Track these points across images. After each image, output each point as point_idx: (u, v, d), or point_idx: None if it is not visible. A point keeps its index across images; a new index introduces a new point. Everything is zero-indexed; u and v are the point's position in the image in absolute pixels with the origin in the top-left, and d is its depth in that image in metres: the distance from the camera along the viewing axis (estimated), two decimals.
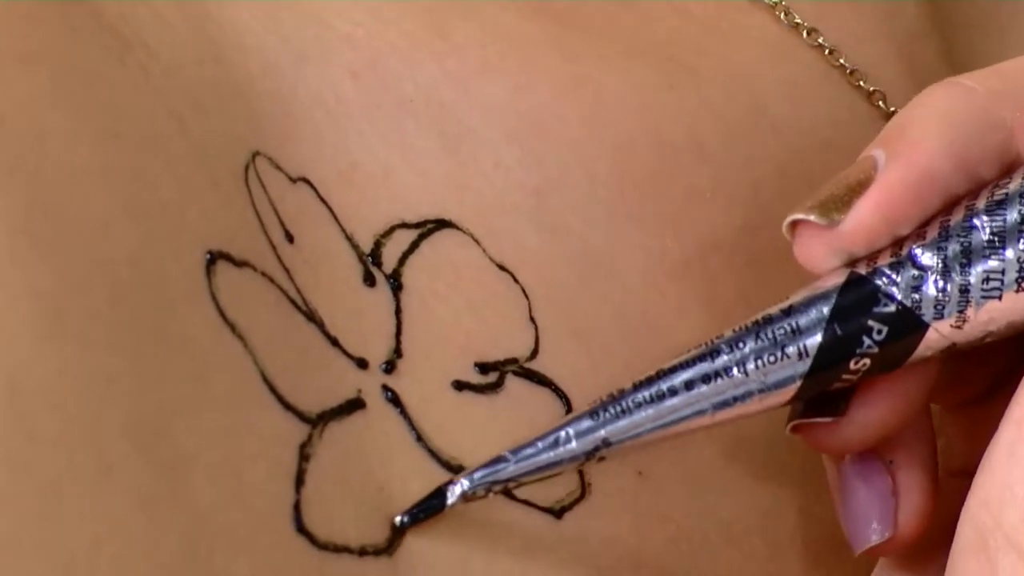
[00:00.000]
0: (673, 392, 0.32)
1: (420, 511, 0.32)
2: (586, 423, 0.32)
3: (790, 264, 0.38)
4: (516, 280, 0.36)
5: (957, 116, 0.32)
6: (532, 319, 0.36)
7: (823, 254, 0.32)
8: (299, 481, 0.31)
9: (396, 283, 0.35)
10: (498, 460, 0.32)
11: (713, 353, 0.32)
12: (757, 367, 0.32)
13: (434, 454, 0.33)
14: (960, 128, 0.32)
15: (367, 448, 0.32)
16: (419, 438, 0.33)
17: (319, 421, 0.32)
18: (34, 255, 0.28)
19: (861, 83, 0.44)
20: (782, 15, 0.43)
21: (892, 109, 0.44)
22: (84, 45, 0.32)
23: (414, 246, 0.35)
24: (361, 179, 0.35)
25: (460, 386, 0.34)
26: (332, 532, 0.31)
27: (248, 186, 0.33)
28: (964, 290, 0.31)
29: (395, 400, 0.33)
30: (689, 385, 0.32)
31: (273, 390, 0.31)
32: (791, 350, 0.32)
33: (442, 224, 0.36)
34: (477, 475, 0.32)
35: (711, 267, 0.39)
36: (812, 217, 0.32)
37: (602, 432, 0.32)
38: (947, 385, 0.35)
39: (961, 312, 0.31)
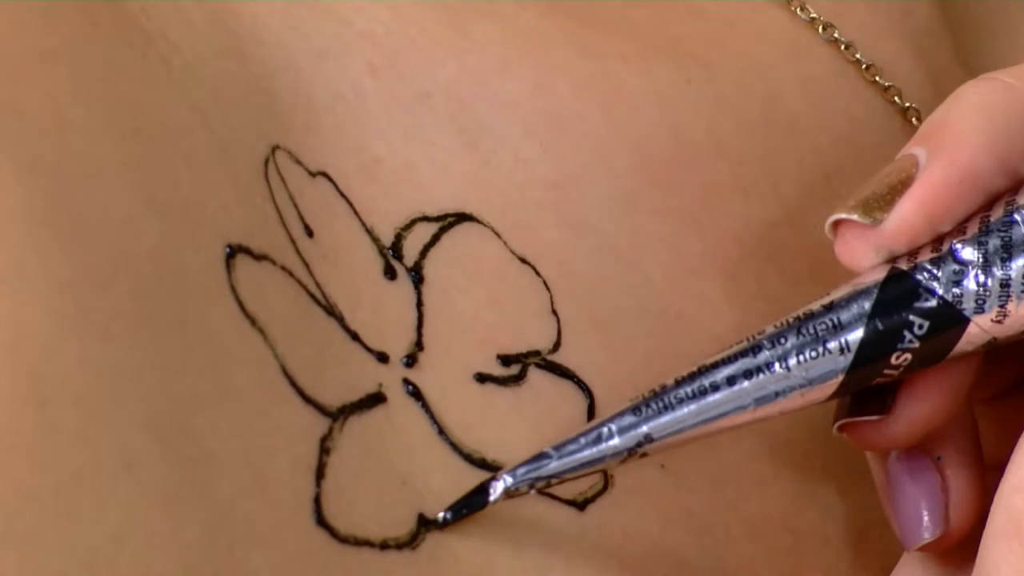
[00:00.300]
0: (715, 388, 0.32)
1: (463, 507, 0.32)
2: (628, 419, 0.32)
3: (809, 258, 0.38)
4: (538, 273, 0.36)
5: (997, 113, 0.32)
6: (554, 312, 0.36)
7: (865, 252, 0.33)
8: (319, 474, 0.31)
9: (417, 276, 0.35)
10: (541, 456, 0.32)
11: (755, 349, 0.32)
12: (799, 362, 0.32)
13: (456, 447, 0.33)
14: (1000, 125, 0.32)
15: (388, 442, 0.32)
16: (441, 431, 0.33)
17: (340, 415, 0.32)
18: (56, 249, 0.28)
19: (877, 78, 0.44)
20: (798, 10, 0.43)
21: (908, 105, 0.44)
22: (105, 40, 0.32)
23: (435, 239, 0.35)
24: (381, 173, 0.35)
25: (482, 379, 0.34)
26: (353, 525, 0.31)
27: (268, 180, 0.33)
28: (1005, 284, 0.31)
29: (416, 394, 0.33)
30: (731, 381, 0.32)
31: (293, 384, 0.31)
32: (832, 345, 0.32)
33: (463, 217, 0.36)
34: (520, 471, 0.32)
35: (731, 261, 0.39)
36: (855, 216, 0.32)
37: (644, 428, 0.32)
38: (979, 378, 0.35)
39: (1002, 306, 0.31)
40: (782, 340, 0.32)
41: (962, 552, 0.34)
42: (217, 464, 0.29)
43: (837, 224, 0.33)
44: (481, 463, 0.33)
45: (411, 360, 0.34)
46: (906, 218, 0.32)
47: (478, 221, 0.36)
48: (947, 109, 0.33)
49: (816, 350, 0.32)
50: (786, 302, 0.37)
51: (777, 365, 0.32)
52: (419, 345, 0.34)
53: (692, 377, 0.32)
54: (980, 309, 0.32)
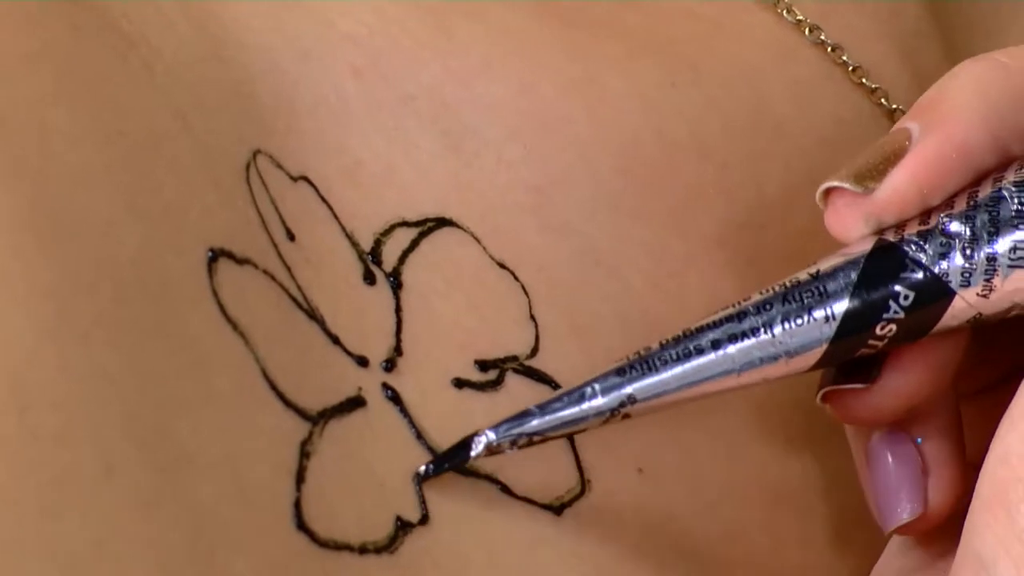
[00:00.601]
0: (700, 351, 0.32)
1: (444, 461, 0.33)
2: (612, 379, 0.32)
3: (793, 262, 0.38)
4: (516, 278, 0.36)
5: (992, 90, 0.33)
6: (532, 317, 0.36)
7: (855, 221, 0.33)
8: (300, 478, 0.31)
9: (396, 281, 0.35)
10: (524, 414, 0.33)
11: (741, 315, 0.32)
12: (784, 329, 0.32)
13: (434, 452, 0.33)
14: (995, 103, 0.32)
15: (367, 446, 0.33)
16: (419, 436, 0.33)
17: (320, 419, 0.32)
18: (37, 253, 0.28)
19: (863, 80, 0.43)
20: (784, 12, 0.43)
21: (895, 107, 0.44)
22: (87, 44, 0.32)
23: (414, 244, 0.35)
24: (363, 177, 0.35)
25: (460, 384, 0.34)
26: (333, 530, 0.31)
27: (250, 184, 0.33)
28: (991, 259, 0.32)
29: (395, 398, 0.33)
30: (716, 345, 0.32)
31: (274, 387, 0.31)
32: (818, 314, 0.32)
33: (442, 222, 0.36)
34: (503, 428, 0.33)
35: (714, 265, 0.39)
36: (847, 185, 0.33)
37: (628, 388, 0.32)
38: (963, 371, 0.35)
39: (988, 281, 0.32)
40: (768, 307, 0.32)
41: (943, 542, 0.34)
42: (198, 468, 0.29)
43: (828, 193, 0.33)
44: (459, 468, 0.33)
45: (390, 365, 0.34)
46: (898, 188, 0.32)
47: (457, 226, 0.36)
48: (942, 86, 0.33)
49: (801, 318, 0.32)
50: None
51: (762, 331, 0.32)
52: (398, 350, 0.34)
53: (677, 340, 0.32)
54: (966, 283, 0.32)
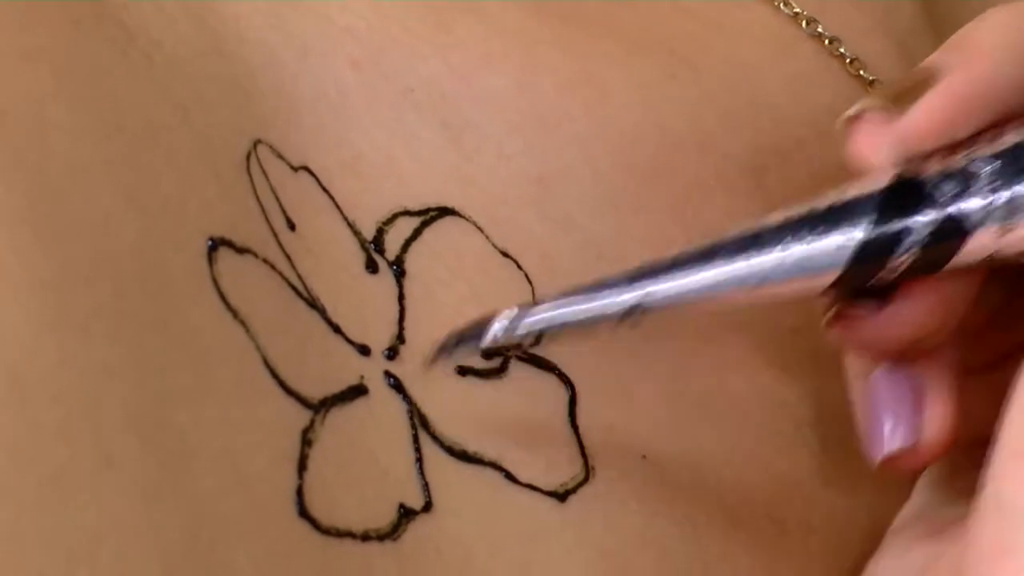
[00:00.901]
0: (717, 260, 0.32)
1: (456, 342, 0.33)
2: (624, 283, 0.33)
3: None
4: (520, 267, 0.36)
5: (1021, 33, 0.33)
6: None
7: (879, 146, 0.33)
8: (301, 466, 0.31)
9: (399, 270, 0.35)
10: (534, 305, 0.33)
11: (758, 233, 0.33)
12: (801, 249, 0.32)
13: (438, 440, 0.33)
14: (1023, 45, 0.33)
15: (370, 434, 0.33)
16: (423, 423, 0.33)
17: (321, 407, 0.32)
18: (37, 247, 0.28)
19: (861, 72, 0.44)
20: (781, 5, 0.43)
21: None
22: (87, 38, 0.32)
23: (417, 233, 0.35)
24: (363, 168, 0.35)
25: (464, 371, 0.34)
26: (335, 517, 0.31)
27: (250, 174, 0.33)
28: (1010, 201, 0.32)
29: (398, 386, 0.33)
30: (731, 257, 0.32)
31: (275, 376, 0.31)
32: (836, 239, 0.32)
33: (445, 212, 0.36)
34: (515, 318, 0.33)
35: None
36: (877, 103, 0.33)
37: (641, 291, 0.32)
38: (974, 336, 0.35)
39: (1005, 222, 0.32)
40: (786, 228, 0.32)
41: (939, 538, 0.34)
42: (199, 460, 0.29)
43: (852, 121, 0.33)
44: (463, 455, 0.33)
45: (392, 353, 0.34)
46: (927, 114, 0.32)
47: (460, 215, 0.36)
48: (972, 27, 0.34)
49: (820, 239, 0.32)
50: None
51: (778, 248, 0.32)
52: (400, 338, 0.34)
53: (693, 251, 0.33)
54: (984, 222, 0.32)
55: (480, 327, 0.33)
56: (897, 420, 0.34)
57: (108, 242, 0.30)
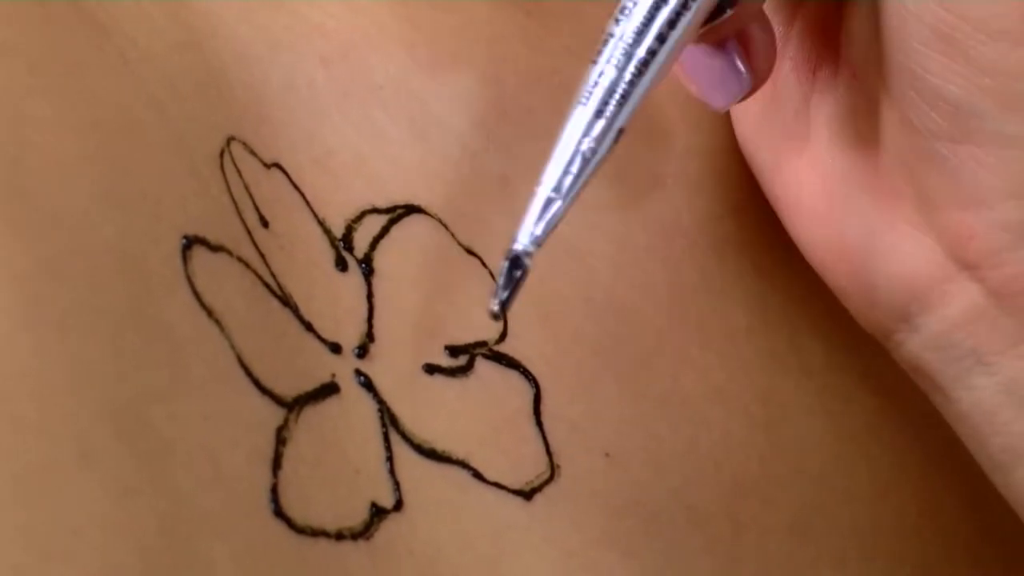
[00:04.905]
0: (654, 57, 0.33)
1: (509, 290, 0.33)
2: (600, 124, 0.33)
3: (753, 251, 0.38)
4: (484, 264, 0.36)
5: None
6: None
7: None
8: (276, 465, 0.31)
9: (368, 268, 0.35)
10: (548, 205, 0.33)
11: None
12: None
13: (407, 438, 0.33)
14: None
15: (342, 432, 0.33)
16: (392, 421, 0.33)
17: (295, 405, 0.32)
18: (13, 242, 0.28)
19: None
20: None
21: None
22: (62, 34, 0.32)
23: (384, 231, 0.35)
24: (333, 165, 0.35)
25: (431, 369, 0.35)
26: (309, 516, 0.31)
27: (224, 171, 0.33)
28: None
29: (368, 384, 0.34)
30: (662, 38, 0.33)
31: (249, 374, 0.31)
32: None
33: (412, 209, 0.36)
34: (538, 233, 0.33)
35: (675, 252, 0.39)
36: None
37: (615, 124, 0.33)
38: None
39: None
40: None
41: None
42: (175, 456, 0.29)
43: None
44: (431, 454, 0.33)
45: (363, 351, 0.34)
46: None
47: (426, 213, 0.36)
48: None
49: None
50: (729, 294, 0.38)
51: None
52: (370, 336, 0.34)
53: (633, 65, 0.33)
54: None
55: (519, 262, 0.33)
56: (733, 70, 0.36)
57: (84, 237, 0.30)
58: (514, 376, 0.35)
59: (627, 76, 0.33)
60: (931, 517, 0.40)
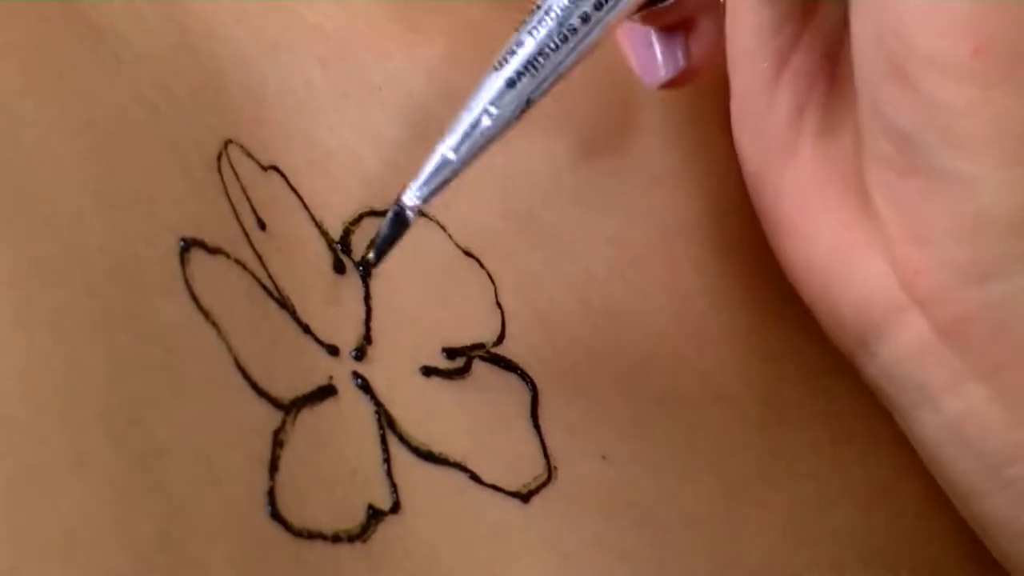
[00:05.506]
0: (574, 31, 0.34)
1: (385, 242, 0.34)
2: (508, 92, 0.34)
3: (753, 251, 0.38)
4: (482, 266, 0.36)
5: None
6: (498, 304, 0.36)
7: None
8: (273, 467, 0.31)
9: (365, 270, 0.35)
10: (444, 164, 0.34)
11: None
12: None
13: (404, 440, 0.33)
14: None
15: (339, 434, 0.33)
16: (390, 423, 0.33)
17: (292, 407, 0.32)
18: (6, 244, 0.28)
19: None
20: None
21: None
22: (56, 35, 0.32)
23: None
24: (331, 167, 0.35)
25: (428, 372, 0.35)
26: (306, 518, 0.31)
27: (221, 174, 0.33)
28: None
29: (365, 387, 0.33)
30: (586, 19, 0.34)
31: (246, 377, 0.31)
32: None
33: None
34: (428, 189, 0.34)
35: (674, 253, 0.39)
36: None
37: (524, 93, 0.34)
38: None
39: None
40: None
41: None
42: (171, 459, 0.29)
43: None
44: (429, 456, 0.33)
45: (360, 353, 0.34)
46: None
47: (424, 215, 0.36)
48: None
49: None
50: (729, 295, 0.38)
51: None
52: (367, 338, 0.34)
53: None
54: None
55: (401, 217, 0.34)
56: (668, 52, 0.37)
57: (78, 238, 0.30)
58: (511, 378, 0.35)
59: (543, 49, 0.33)
60: (928, 520, 0.40)
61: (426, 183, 0.33)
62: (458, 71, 0.38)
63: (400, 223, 0.33)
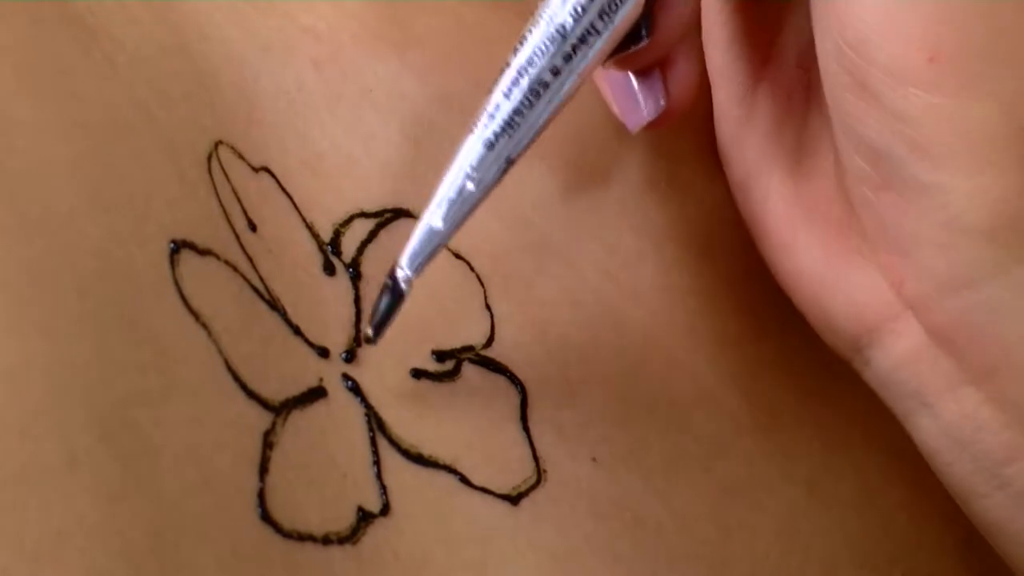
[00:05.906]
0: (546, 86, 0.34)
1: (384, 318, 0.34)
2: (487, 154, 0.33)
3: (744, 254, 0.38)
4: (472, 268, 0.36)
5: None
6: (488, 307, 0.36)
7: None
8: (263, 469, 0.31)
9: (355, 272, 0.35)
10: (432, 233, 0.33)
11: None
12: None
13: (394, 443, 0.33)
14: None
15: (329, 436, 0.33)
16: (380, 426, 0.33)
17: (282, 409, 0.32)
18: None
19: None
20: None
21: None
22: (49, 37, 0.32)
23: (372, 235, 0.35)
24: (323, 168, 0.35)
25: (418, 374, 0.35)
26: (296, 520, 0.31)
27: (211, 175, 0.33)
28: None
29: (355, 389, 0.33)
30: (556, 73, 0.34)
31: (237, 378, 0.31)
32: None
33: (399, 213, 0.36)
34: (418, 260, 0.33)
35: (665, 257, 0.39)
36: None
37: (503, 154, 0.34)
38: None
39: None
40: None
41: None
42: (162, 460, 0.29)
43: None
44: (419, 459, 0.33)
45: (350, 355, 0.34)
46: None
47: (414, 216, 0.36)
48: None
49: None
50: (719, 299, 0.38)
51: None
52: (357, 341, 0.34)
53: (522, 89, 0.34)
54: None
55: (396, 290, 0.34)
56: (646, 95, 0.37)
57: (71, 240, 0.30)
58: (501, 381, 0.35)
59: (517, 107, 0.33)
60: (920, 523, 0.40)
61: (416, 254, 0.33)
62: (451, 73, 0.38)
63: (395, 296, 0.33)
